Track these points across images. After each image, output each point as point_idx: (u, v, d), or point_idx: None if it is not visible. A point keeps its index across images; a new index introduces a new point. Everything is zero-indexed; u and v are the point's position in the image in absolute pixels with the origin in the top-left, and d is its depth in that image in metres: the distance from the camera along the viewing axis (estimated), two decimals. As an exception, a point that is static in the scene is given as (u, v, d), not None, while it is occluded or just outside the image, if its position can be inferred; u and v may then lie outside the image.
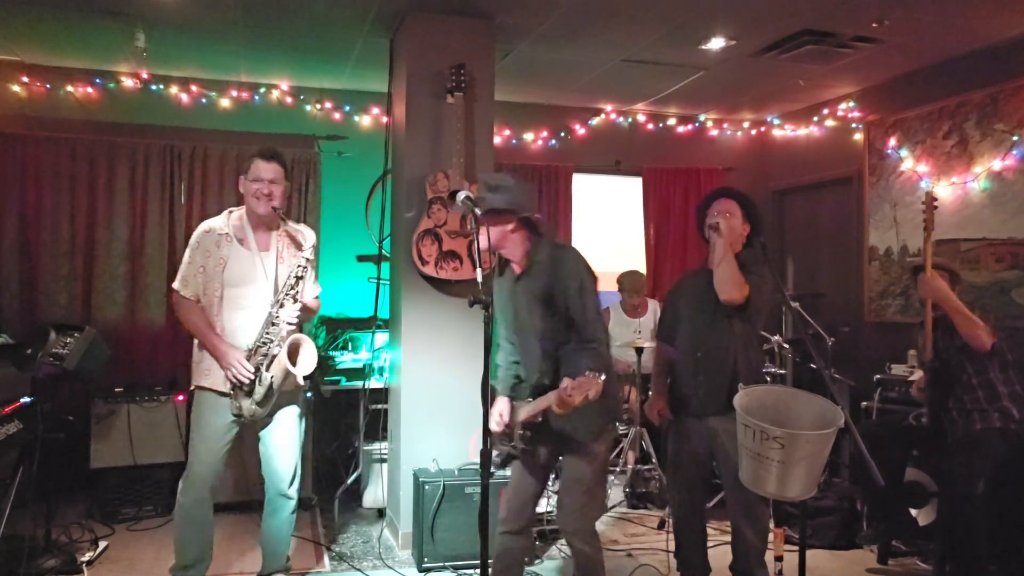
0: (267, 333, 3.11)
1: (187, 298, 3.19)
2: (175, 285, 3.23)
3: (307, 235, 3.29)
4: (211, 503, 3.24)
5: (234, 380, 3.09)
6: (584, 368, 2.50)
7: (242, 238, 3.22)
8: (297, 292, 3.16)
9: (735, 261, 3.04)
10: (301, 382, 3.22)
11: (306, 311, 3.30)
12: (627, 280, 5.48)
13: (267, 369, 3.09)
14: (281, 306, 3.12)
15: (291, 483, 3.33)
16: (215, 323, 3.15)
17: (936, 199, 3.52)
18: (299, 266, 3.16)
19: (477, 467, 2.80)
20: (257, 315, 3.15)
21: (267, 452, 3.31)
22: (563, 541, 2.87)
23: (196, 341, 3.21)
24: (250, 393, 3.10)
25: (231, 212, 3.30)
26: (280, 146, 5.39)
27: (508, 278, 2.88)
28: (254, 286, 3.16)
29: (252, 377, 3.08)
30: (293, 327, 3.13)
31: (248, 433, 3.36)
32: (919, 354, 3.74)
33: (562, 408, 2.56)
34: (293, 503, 3.36)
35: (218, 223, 3.25)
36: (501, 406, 2.87)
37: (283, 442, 3.29)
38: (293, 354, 3.12)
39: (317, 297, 3.41)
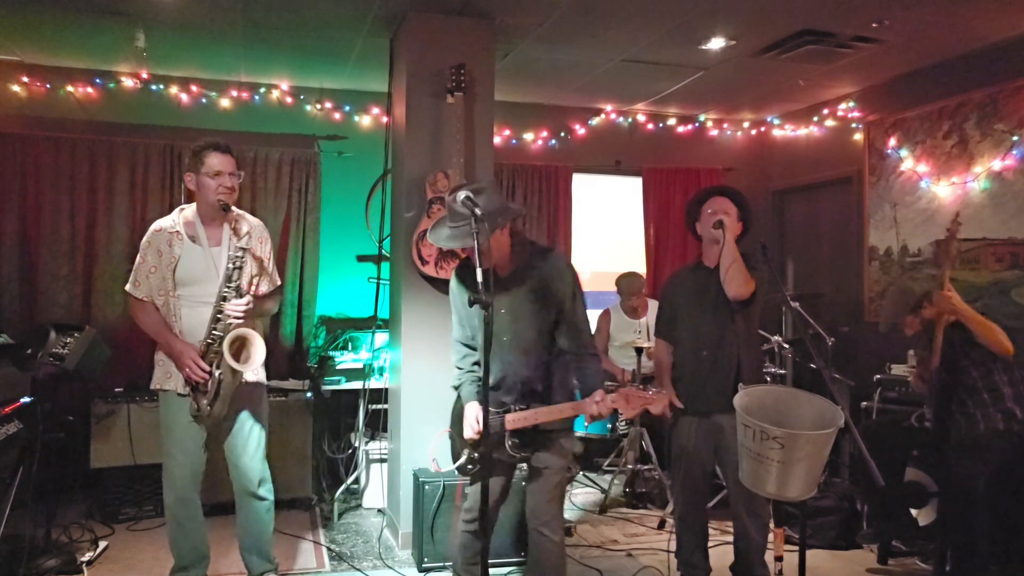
0: (214, 330, 3.00)
1: (140, 299, 3.12)
2: (127, 287, 3.15)
3: (251, 223, 3.20)
4: (198, 503, 3.20)
5: (189, 380, 3.01)
6: (598, 380, 2.67)
7: (193, 235, 3.13)
8: (238, 284, 3.02)
9: (741, 258, 3.08)
10: (251, 378, 3.13)
11: (259, 304, 3.18)
12: (624, 282, 5.48)
13: (217, 367, 2.99)
14: (224, 300, 2.99)
15: (260, 483, 3.24)
16: (173, 323, 3.09)
17: (960, 223, 3.50)
18: (236, 256, 2.99)
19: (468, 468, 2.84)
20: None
21: (232, 454, 3.22)
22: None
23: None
24: (206, 393, 3.01)
25: (182, 209, 3.21)
26: (280, 146, 5.52)
27: (470, 282, 2.69)
28: (208, 283, 3.07)
29: (207, 376, 2.99)
30: (240, 321, 3.00)
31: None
32: (920, 367, 3.74)
33: (591, 420, 2.63)
34: (267, 503, 3.28)
35: (168, 222, 3.16)
36: (476, 411, 2.76)
37: (245, 443, 3.21)
38: (240, 350, 3.02)
39: (278, 290, 3.32)
